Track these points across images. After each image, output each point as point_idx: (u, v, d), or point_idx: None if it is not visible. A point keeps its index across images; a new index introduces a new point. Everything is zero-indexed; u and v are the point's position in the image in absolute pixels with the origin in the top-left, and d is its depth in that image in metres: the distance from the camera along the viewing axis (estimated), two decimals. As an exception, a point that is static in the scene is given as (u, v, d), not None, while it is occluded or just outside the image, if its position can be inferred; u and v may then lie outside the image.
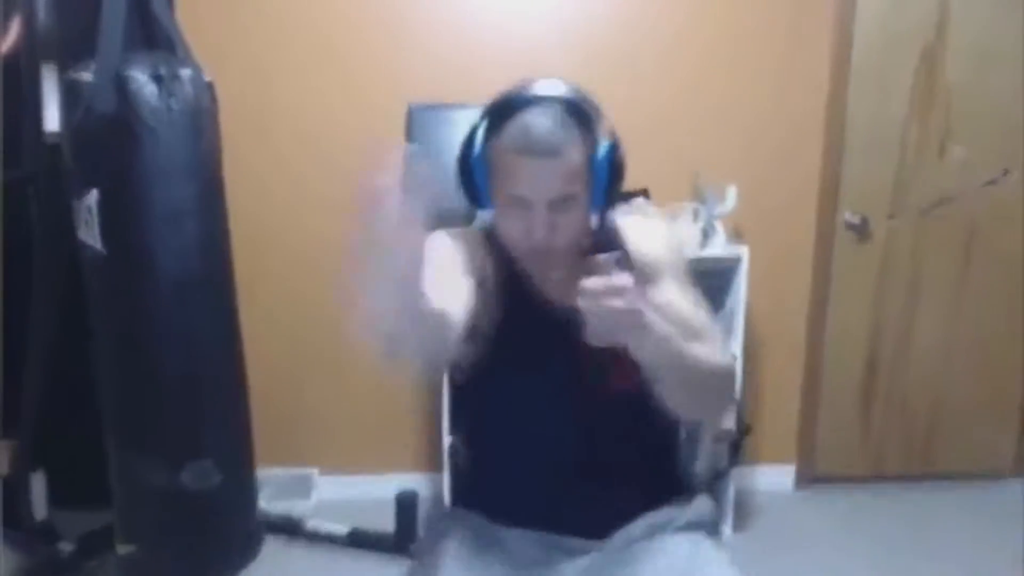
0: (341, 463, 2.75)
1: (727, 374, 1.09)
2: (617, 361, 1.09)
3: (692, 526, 1.16)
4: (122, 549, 1.90)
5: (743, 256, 2.36)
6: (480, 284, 1.09)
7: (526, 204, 1.04)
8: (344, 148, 2.55)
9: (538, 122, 1.02)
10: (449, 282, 1.03)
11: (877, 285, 2.76)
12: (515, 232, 1.07)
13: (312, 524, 2.48)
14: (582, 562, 1.12)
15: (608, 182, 1.09)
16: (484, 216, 1.20)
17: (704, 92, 2.61)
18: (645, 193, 2.45)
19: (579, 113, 1.05)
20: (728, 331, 2.41)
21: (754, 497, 2.75)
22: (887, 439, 2.88)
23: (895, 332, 2.81)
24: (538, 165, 1.01)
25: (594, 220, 1.14)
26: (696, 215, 2.37)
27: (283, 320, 2.64)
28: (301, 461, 2.73)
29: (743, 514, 2.61)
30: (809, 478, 2.88)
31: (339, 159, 2.56)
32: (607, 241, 1.14)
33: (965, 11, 2.58)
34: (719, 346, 1.10)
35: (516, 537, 1.14)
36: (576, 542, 1.13)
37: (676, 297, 1.10)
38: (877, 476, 2.88)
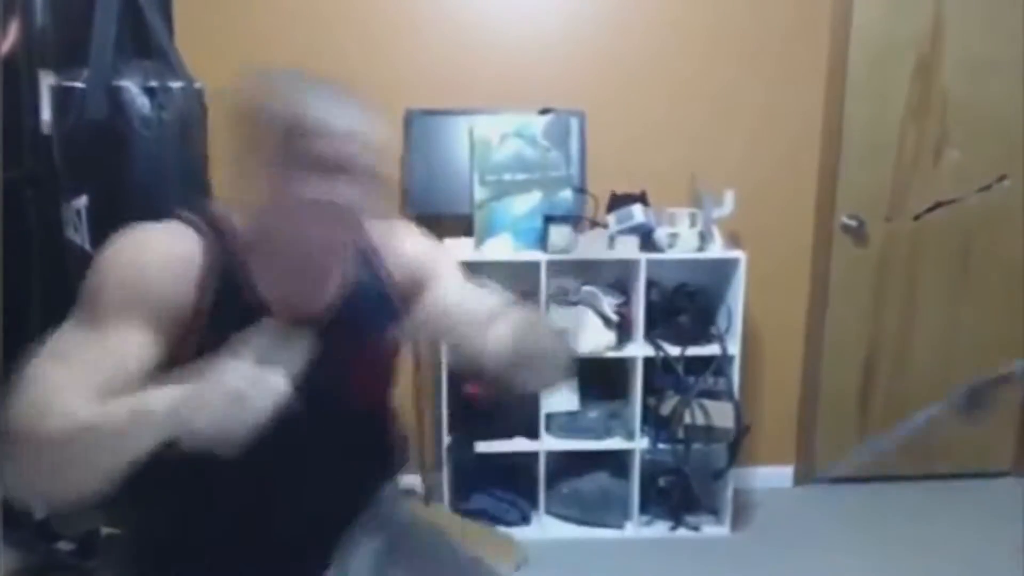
0: (341, 464, 2.75)
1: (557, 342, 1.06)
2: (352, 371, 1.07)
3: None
4: (107, 530, 1.94)
5: (741, 259, 2.38)
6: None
7: None
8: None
9: None
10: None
11: (874, 286, 2.79)
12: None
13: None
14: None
15: None
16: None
17: (703, 97, 2.63)
18: (643, 196, 2.47)
19: None
20: (728, 332, 2.44)
21: (753, 497, 2.76)
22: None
23: (893, 333, 2.83)
24: None
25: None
26: (694, 219, 2.39)
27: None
28: (301, 462, 2.74)
29: (742, 514, 2.62)
30: (808, 478, 2.89)
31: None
32: (366, 246, 1.12)
33: (960, 19, 2.61)
34: (512, 319, 1.05)
35: None
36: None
37: (459, 288, 1.15)
38: (875, 476, 2.89)
